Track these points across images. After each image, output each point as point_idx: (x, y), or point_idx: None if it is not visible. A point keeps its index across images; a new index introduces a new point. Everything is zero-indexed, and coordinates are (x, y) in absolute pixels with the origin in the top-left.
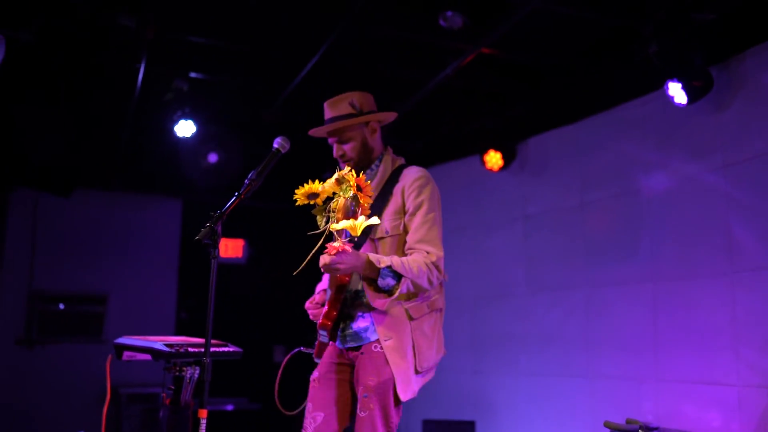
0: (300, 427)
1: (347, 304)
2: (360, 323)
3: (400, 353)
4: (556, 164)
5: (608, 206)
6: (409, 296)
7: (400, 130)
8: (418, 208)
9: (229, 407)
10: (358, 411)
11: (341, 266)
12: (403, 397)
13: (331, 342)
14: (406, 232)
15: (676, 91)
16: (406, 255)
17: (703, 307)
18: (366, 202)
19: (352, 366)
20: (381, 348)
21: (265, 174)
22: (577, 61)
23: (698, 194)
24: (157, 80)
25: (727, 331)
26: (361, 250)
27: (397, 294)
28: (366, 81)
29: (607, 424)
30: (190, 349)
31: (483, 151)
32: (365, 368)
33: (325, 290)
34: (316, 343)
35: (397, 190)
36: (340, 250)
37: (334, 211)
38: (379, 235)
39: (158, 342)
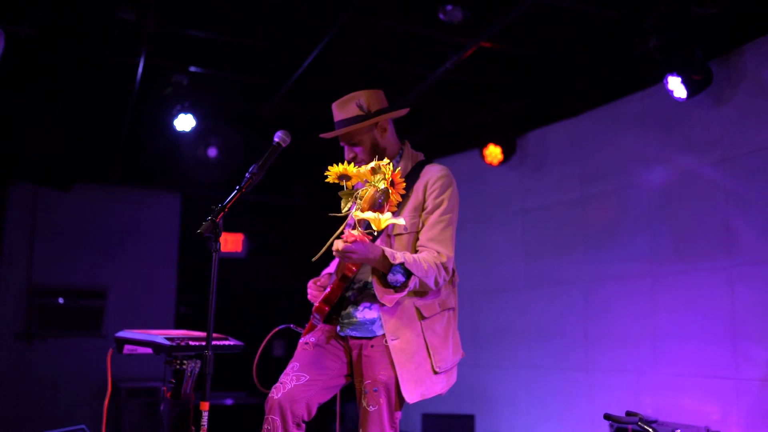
0: None
1: (355, 292)
2: (366, 314)
3: (407, 354)
4: (555, 158)
5: (608, 200)
6: (416, 294)
7: (399, 123)
8: (437, 207)
9: (229, 401)
10: (366, 404)
11: (354, 255)
12: (410, 398)
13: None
14: (422, 228)
15: (676, 85)
16: (417, 251)
17: (702, 301)
18: (395, 198)
19: (349, 351)
20: (388, 344)
21: (266, 168)
22: (576, 55)
23: (697, 188)
24: (156, 74)
25: (726, 324)
26: (377, 243)
27: (404, 292)
28: (366, 75)
29: (607, 417)
30: (191, 343)
31: (483, 145)
32: (378, 362)
33: (330, 274)
34: (308, 324)
35: (418, 186)
36: (358, 239)
37: (360, 199)
38: (397, 231)
39: (159, 335)
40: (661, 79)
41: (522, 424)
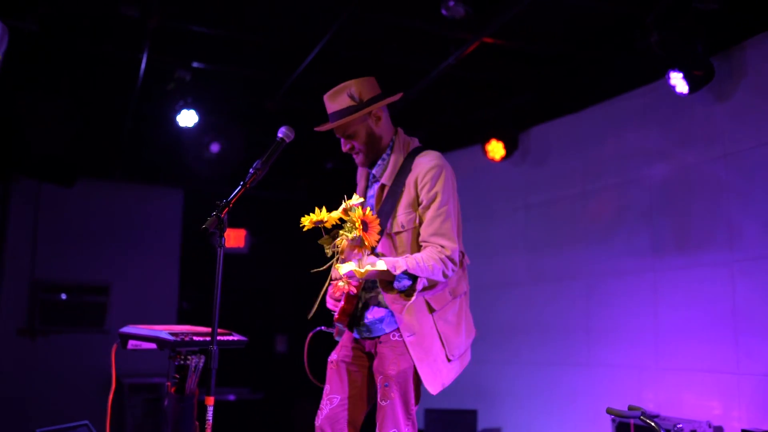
0: (303, 416)
1: (365, 292)
2: (375, 313)
3: (424, 348)
4: (557, 154)
5: (610, 195)
6: (426, 289)
7: (401, 119)
8: (432, 200)
9: (231, 397)
10: (378, 400)
11: (354, 279)
12: (433, 390)
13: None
14: (421, 224)
15: (678, 81)
16: (420, 247)
17: (704, 296)
18: (372, 240)
19: (368, 354)
20: (399, 337)
21: (270, 163)
22: (578, 50)
23: (699, 183)
24: (159, 70)
25: (728, 319)
26: (379, 246)
27: (415, 295)
28: (368, 70)
29: (609, 411)
30: (195, 338)
31: (485, 140)
32: (386, 357)
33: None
34: (336, 326)
35: (409, 181)
36: (345, 291)
37: (338, 249)
38: (395, 229)
39: (163, 331)
40: (662, 75)
41: (524, 419)
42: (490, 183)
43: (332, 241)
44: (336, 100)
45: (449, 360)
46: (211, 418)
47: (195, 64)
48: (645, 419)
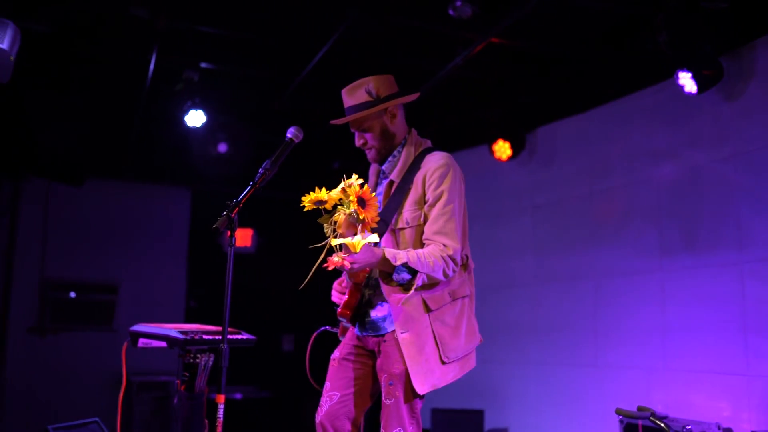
0: (311, 415)
1: (369, 290)
2: (378, 312)
3: (417, 346)
4: (565, 154)
5: (617, 195)
6: (425, 287)
7: (408, 118)
8: (437, 199)
9: (238, 396)
10: (383, 398)
11: (355, 265)
12: (420, 390)
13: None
14: (426, 222)
15: (686, 81)
16: (423, 245)
17: (713, 297)
18: (370, 215)
19: (371, 352)
20: (398, 338)
21: (279, 163)
22: (586, 50)
23: (708, 184)
24: (167, 70)
25: (736, 320)
26: (382, 241)
27: (413, 289)
28: (376, 70)
29: (618, 412)
30: (204, 337)
31: (492, 140)
32: (390, 356)
33: None
34: (340, 324)
35: (418, 178)
36: (340, 264)
37: (335, 225)
38: (399, 225)
39: (173, 329)
40: (671, 75)
41: (531, 419)
42: (497, 183)
43: (330, 222)
44: (353, 95)
45: (444, 362)
46: (222, 416)
47: (203, 65)
48: (655, 420)
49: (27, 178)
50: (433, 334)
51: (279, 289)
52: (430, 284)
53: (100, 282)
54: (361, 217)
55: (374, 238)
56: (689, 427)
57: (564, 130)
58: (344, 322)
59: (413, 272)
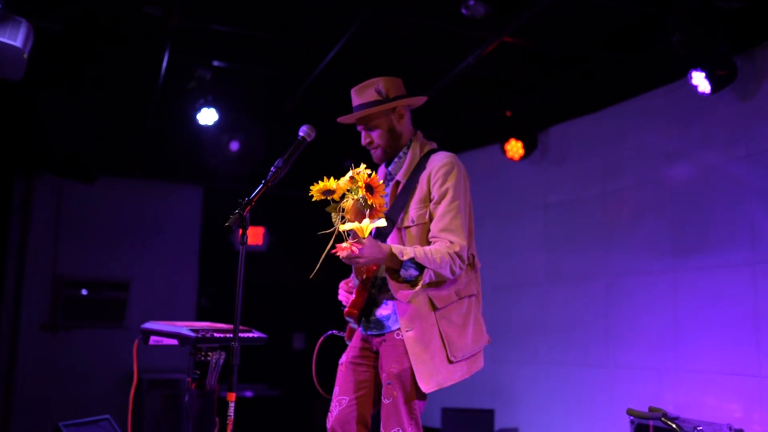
0: (321, 413)
1: (375, 290)
2: (383, 311)
3: (422, 345)
4: (577, 153)
5: (630, 196)
6: (433, 284)
7: (420, 118)
8: (442, 196)
9: (249, 393)
10: (382, 398)
11: (361, 259)
12: (425, 388)
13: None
14: (431, 221)
15: (700, 80)
16: (430, 243)
17: (725, 298)
18: (378, 202)
19: (375, 353)
20: (403, 336)
21: (291, 162)
22: (599, 49)
23: (721, 184)
24: (180, 68)
25: (749, 321)
26: (389, 239)
27: (420, 285)
28: (388, 69)
29: (630, 412)
30: (215, 335)
31: (504, 140)
32: (388, 356)
33: None
34: (348, 326)
35: (423, 177)
36: (348, 250)
37: (343, 211)
38: (405, 224)
39: (184, 327)
40: (684, 74)
41: (541, 419)
42: (509, 182)
43: (338, 210)
44: (363, 94)
45: (451, 361)
46: (232, 414)
47: (215, 63)
48: (666, 421)
49: (40, 176)
50: (440, 332)
51: (290, 288)
52: (438, 282)
53: (112, 279)
54: (369, 203)
55: (382, 222)
56: (701, 428)
57: (576, 130)
58: (351, 323)
59: (420, 268)
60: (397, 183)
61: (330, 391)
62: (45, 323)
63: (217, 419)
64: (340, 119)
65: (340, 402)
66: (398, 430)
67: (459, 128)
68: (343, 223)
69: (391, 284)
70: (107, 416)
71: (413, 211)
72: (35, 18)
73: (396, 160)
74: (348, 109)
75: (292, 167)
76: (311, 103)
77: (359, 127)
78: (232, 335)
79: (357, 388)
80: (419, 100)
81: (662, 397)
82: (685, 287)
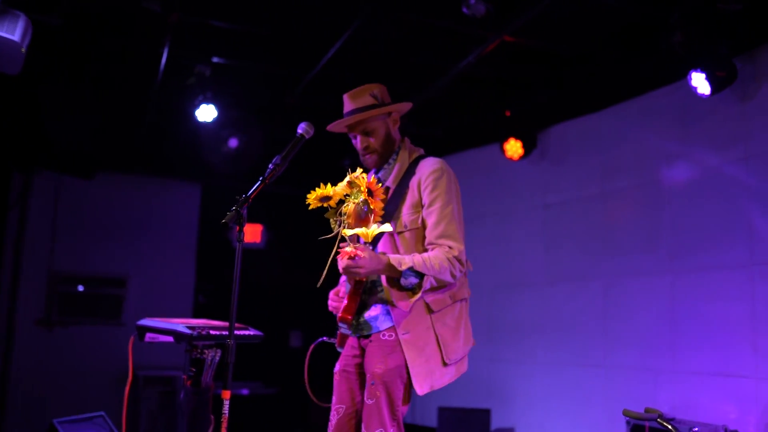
0: (317, 412)
1: (365, 294)
2: (371, 312)
3: (418, 347)
4: (576, 153)
5: (629, 196)
6: (433, 289)
7: (420, 117)
8: (434, 202)
9: (245, 391)
10: (365, 398)
11: (361, 270)
12: (420, 390)
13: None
14: (424, 226)
15: (700, 82)
16: (426, 250)
17: (722, 299)
18: (378, 206)
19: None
20: (389, 336)
21: (289, 159)
22: (599, 49)
23: (720, 185)
24: (179, 64)
25: (746, 323)
26: (380, 244)
27: (420, 293)
28: (388, 67)
29: (626, 413)
30: (211, 332)
31: (503, 139)
32: (373, 356)
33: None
34: (338, 333)
35: (413, 183)
36: (353, 254)
37: (345, 215)
38: (398, 229)
39: (180, 324)
40: (684, 75)
41: (538, 419)
42: (509, 182)
43: (337, 217)
44: (358, 99)
45: (445, 364)
46: (227, 411)
47: (215, 59)
48: (662, 422)
49: (37, 171)
50: (436, 335)
51: (287, 285)
52: (439, 287)
53: (109, 275)
54: (372, 207)
55: (387, 227)
56: (696, 429)
57: (576, 130)
58: (344, 329)
59: (420, 276)
60: (387, 189)
61: (322, 398)
62: (41, 319)
63: (212, 417)
64: (333, 124)
65: (338, 410)
66: (381, 430)
67: (458, 127)
68: (346, 228)
69: (393, 294)
70: (102, 413)
71: (405, 216)
72: (33, 12)
73: (386, 166)
74: (342, 115)
75: (292, 164)
76: (311, 101)
77: (352, 134)
78: (227, 333)
79: (354, 396)
80: (406, 107)
81: (659, 398)
82: (683, 288)
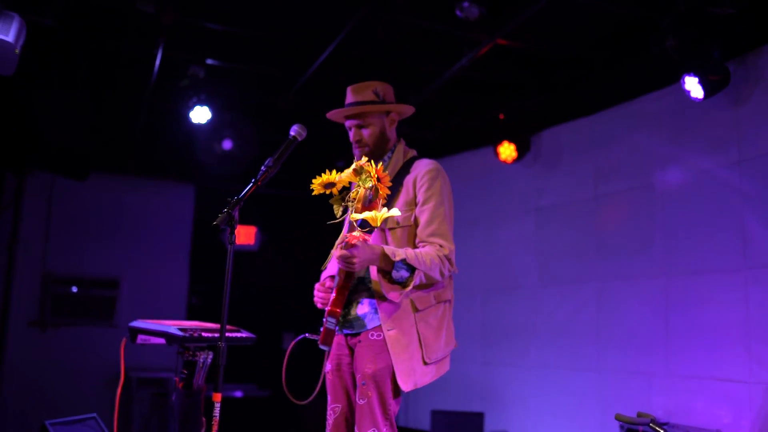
0: (310, 414)
1: (353, 289)
2: (360, 309)
3: (402, 344)
4: (569, 157)
5: (621, 200)
6: (421, 287)
7: (414, 119)
8: (428, 200)
9: (238, 393)
10: (357, 398)
11: (356, 260)
12: (405, 387)
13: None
14: (416, 223)
15: (693, 86)
16: (417, 247)
17: (716, 303)
18: (384, 191)
19: (352, 351)
20: (378, 336)
21: (281, 161)
22: (593, 53)
23: (713, 189)
24: (173, 66)
25: (740, 327)
26: (371, 240)
27: (411, 286)
28: (382, 70)
29: (618, 417)
30: (203, 334)
31: (497, 142)
32: (363, 356)
33: (332, 277)
34: (322, 329)
35: (408, 181)
36: (360, 240)
37: (353, 201)
38: (390, 225)
39: (172, 326)
40: (677, 79)
41: (531, 423)
42: (502, 185)
43: (342, 203)
44: (360, 93)
45: (426, 363)
46: (218, 414)
47: (209, 61)
48: (654, 426)
49: (31, 172)
50: (418, 333)
51: (281, 287)
52: (428, 284)
53: (102, 277)
54: (381, 192)
55: (396, 212)
56: None
57: (569, 133)
58: (331, 323)
59: (411, 270)
60: None
61: (302, 398)
62: (34, 320)
63: (204, 419)
64: (332, 112)
65: (334, 410)
66: (373, 430)
67: (452, 130)
68: (352, 213)
69: (384, 285)
70: (94, 415)
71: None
72: (27, 13)
73: (381, 163)
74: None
75: (286, 167)
76: (305, 103)
77: (349, 124)
78: (219, 335)
79: (345, 394)
80: (409, 110)
81: (652, 402)
82: (676, 292)
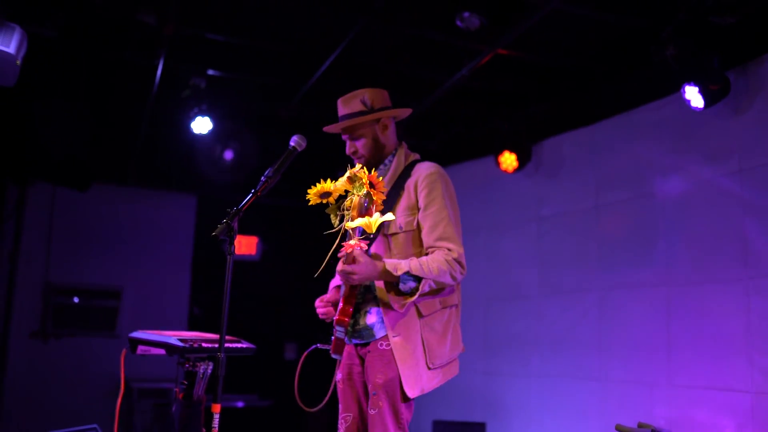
0: (313, 424)
1: (359, 297)
2: (369, 318)
3: (408, 350)
4: (570, 166)
5: (623, 209)
6: (432, 292)
7: (414, 129)
8: (431, 204)
9: (240, 404)
10: (369, 409)
11: (356, 276)
12: (411, 393)
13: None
14: (419, 228)
15: (693, 95)
16: (426, 253)
17: (717, 313)
18: (379, 198)
19: (362, 361)
20: (387, 346)
21: (281, 171)
22: (593, 62)
23: (714, 199)
24: (175, 77)
25: (741, 336)
26: (374, 246)
27: (418, 294)
28: (382, 79)
29: (618, 428)
30: (204, 345)
31: (498, 152)
32: (373, 366)
33: (338, 287)
34: (333, 339)
35: (409, 185)
36: (356, 248)
37: (348, 209)
38: (392, 230)
39: (172, 337)
40: (678, 89)
41: None
42: (503, 195)
43: (338, 212)
44: (348, 104)
45: (429, 368)
46: (217, 425)
47: (210, 72)
48: None
49: (32, 183)
50: (422, 339)
51: (283, 297)
52: (439, 290)
53: (104, 287)
54: (374, 198)
55: (389, 216)
56: None
57: (570, 143)
58: (340, 333)
59: (418, 279)
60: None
61: (309, 405)
62: (36, 331)
63: (204, 430)
64: (326, 128)
65: (346, 419)
66: None
67: (453, 140)
68: (347, 221)
69: (391, 298)
70: (95, 425)
71: (400, 218)
72: (29, 24)
73: (381, 167)
74: (337, 118)
75: (287, 177)
76: (307, 112)
77: (344, 136)
78: (218, 346)
79: (356, 403)
80: (404, 112)
81: (654, 412)
82: (678, 301)
